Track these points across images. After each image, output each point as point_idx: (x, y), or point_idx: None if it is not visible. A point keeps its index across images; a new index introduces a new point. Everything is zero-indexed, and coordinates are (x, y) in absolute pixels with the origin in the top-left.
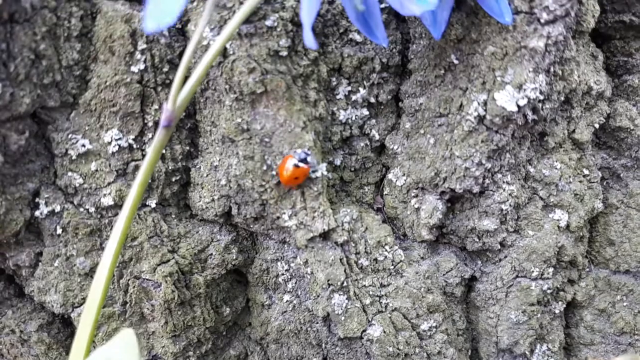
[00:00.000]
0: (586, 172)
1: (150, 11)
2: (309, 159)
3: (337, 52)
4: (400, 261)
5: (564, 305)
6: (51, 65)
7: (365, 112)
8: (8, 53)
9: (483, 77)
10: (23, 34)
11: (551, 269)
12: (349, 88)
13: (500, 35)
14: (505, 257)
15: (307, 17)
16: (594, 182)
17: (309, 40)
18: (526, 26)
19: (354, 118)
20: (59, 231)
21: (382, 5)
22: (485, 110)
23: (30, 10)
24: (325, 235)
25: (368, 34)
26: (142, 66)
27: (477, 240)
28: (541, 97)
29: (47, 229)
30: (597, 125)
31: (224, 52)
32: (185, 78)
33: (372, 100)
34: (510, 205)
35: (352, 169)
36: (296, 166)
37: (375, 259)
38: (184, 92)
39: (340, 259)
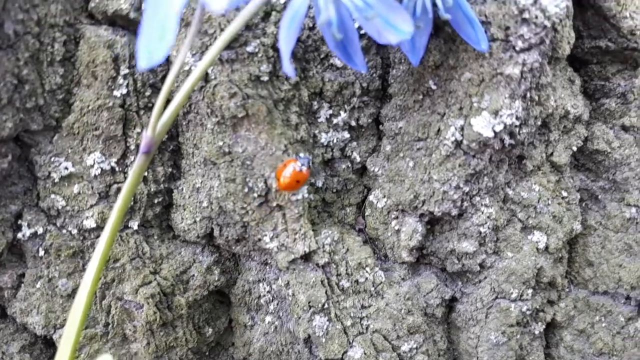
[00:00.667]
0: (565, 194)
1: (141, 51)
2: (311, 164)
3: (318, 76)
4: (381, 282)
5: (544, 326)
6: (34, 90)
7: (347, 134)
8: None
9: (460, 103)
10: (6, 60)
11: (530, 290)
12: (330, 111)
13: (477, 62)
14: (485, 278)
15: (285, 47)
16: (572, 204)
17: (287, 68)
18: (502, 53)
19: (335, 141)
20: (42, 253)
21: (363, 31)
22: (462, 135)
23: (13, 37)
24: (306, 257)
25: (347, 60)
26: (124, 90)
27: (457, 261)
28: (517, 123)
29: (30, 250)
30: (575, 148)
31: (205, 77)
32: (168, 101)
33: (353, 123)
34: (488, 227)
35: (334, 191)
36: (299, 170)
37: (356, 281)
38: (164, 119)
39: (322, 281)
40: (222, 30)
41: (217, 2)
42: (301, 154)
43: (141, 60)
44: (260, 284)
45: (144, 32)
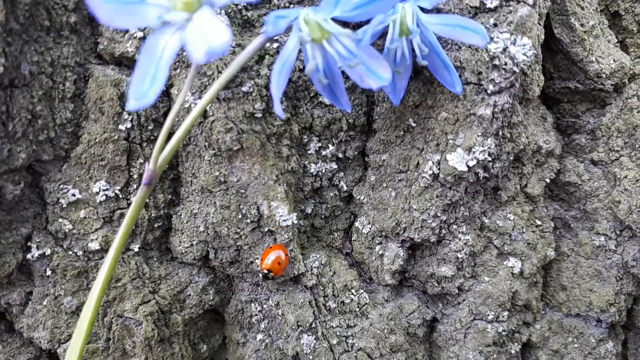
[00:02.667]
0: (539, 222)
1: (132, 93)
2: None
3: (308, 113)
4: (366, 304)
5: (520, 346)
6: (46, 124)
7: (334, 165)
8: (7, 114)
9: (437, 140)
10: (22, 97)
11: (506, 313)
12: (319, 144)
13: (453, 102)
14: (463, 300)
15: (276, 92)
16: (546, 232)
17: (278, 111)
18: (475, 96)
19: (324, 171)
20: (49, 272)
21: None
22: (439, 169)
23: (28, 76)
24: (295, 279)
25: (333, 101)
26: (128, 125)
27: (437, 285)
28: (490, 158)
29: (38, 270)
30: (548, 180)
31: (204, 114)
32: (170, 134)
33: (341, 155)
34: (465, 253)
35: (323, 217)
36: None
37: (342, 302)
38: (165, 153)
39: (310, 302)
40: (219, 72)
41: (198, 54)
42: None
43: (131, 102)
44: (252, 304)
45: (136, 76)
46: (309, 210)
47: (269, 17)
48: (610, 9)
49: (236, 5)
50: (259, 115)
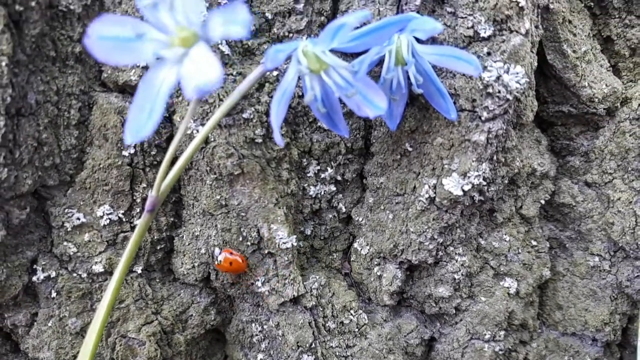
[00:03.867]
0: (534, 243)
1: (129, 127)
2: (217, 249)
3: (307, 137)
4: (364, 324)
5: None
6: (52, 151)
7: (333, 188)
8: (14, 142)
9: (433, 164)
10: (28, 125)
11: (502, 332)
12: (318, 167)
13: (448, 128)
14: (461, 320)
15: (275, 121)
16: (542, 252)
17: (277, 138)
18: (469, 122)
19: (322, 193)
20: (54, 294)
21: None
22: (435, 193)
23: (35, 105)
24: (295, 300)
25: (331, 127)
26: (132, 150)
27: (434, 305)
28: (485, 183)
29: (43, 292)
30: (543, 202)
31: (205, 140)
32: (173, 161)
33: (339, 178)
34: (462, 274)
35: (322, 238)
36: (222, 260)
37: (342, 322)
38: (167, 180)
39: (309, 322)
40: (221, 99)
41: (189, 90)
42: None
43: (128, 135)
44: (253, 324)
45: (133, 110)
46: (308, 232)
47: (269, 51)
48: (602, 34)
49: None
50: (260, 140)
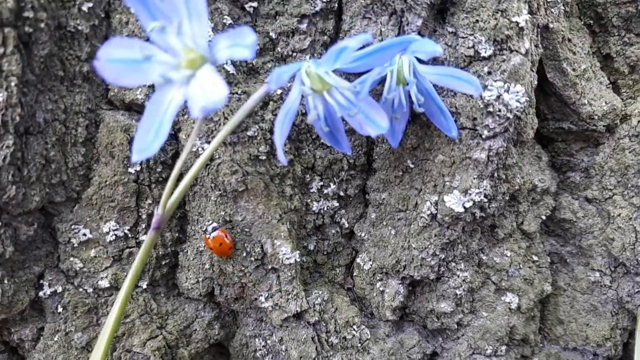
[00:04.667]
0: (535, 258)
1: (136, 146)
2: (213, 224)
3: (310, 154)
4: (367, 339)
5: None
6: (59, 168)
7: (336, 203)
8: (22, 160)
9: (434, 181)
10: (36, 144)
11: (504, 347)
12: (321, 183)
13: (449, 146)
14: (463, 335)
15: (279, 140)
16: (542, 267)
17: (281, 157)
18: (470, 140)
19: (325, 209)
20: (60, 309)
21: None
22: (437, 209)
23: (43, 124)
24: (298, 316)
25: (334, 144)
26: (138, 167)
27: (436, 320)
28: (486, 200)
29: (50, 307)
30: (544, 217)
31: (210, 157)
32: (179, 178)
33: (342, 193)
34: (464, 290)
35: (325, 253)
36: (213, 238)
37: (344, 337)
38: (173, 198)
39: (312, 338)
40: (226, 118)
41: (195, 111)
42: (209, 228)
43: (135, 153)
44: (256, 339)
45: (140, 129)
46: (311, 247)
47: (273, 73)
48: (602, 52)
49: None
50: (264, 157)
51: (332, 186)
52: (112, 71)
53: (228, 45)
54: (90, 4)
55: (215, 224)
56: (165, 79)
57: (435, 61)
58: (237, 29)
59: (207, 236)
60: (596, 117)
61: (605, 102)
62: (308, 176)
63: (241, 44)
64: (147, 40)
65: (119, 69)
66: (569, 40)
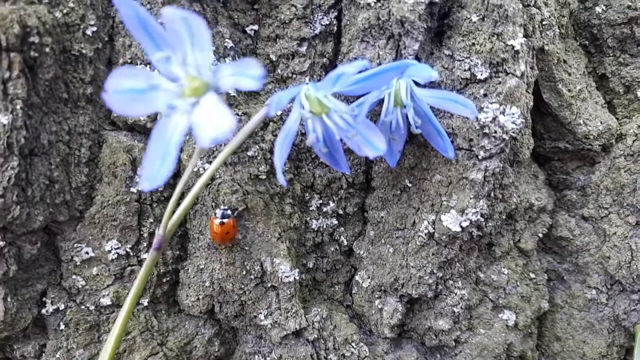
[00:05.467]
0: (532, 275)
1: (145, 175)
2: (229, 212)
3: (310, 172)
4: (366, 356)
5: None
6: (62, 188)
7: (335, 221)
8: (27, 180)
9: (432, 200)
10: (40, 164)
11: None
12: (320, 201)
13: (446, 166)
14: (460, 352)
15: (279, 162)
16: (540, 284)
17: (280, 179)
18: (467, 161)
19: (325, 226)
20: (62, 327)
21: None
22: (434, 228)
23: (47, 145)
24: (297, 333)
25: (333, 165)
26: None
27: (434, 337)
28: (483, 219)
29: (52, 324)
30: (540, 235)
31: (211, 177)
32: (181, 196)
33: (341, 211)
34: (461, 307)
35: (324, 270)
36: (221, 223)
37: (343, 355)
38: (174, 219)
39: (311, 355)
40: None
41: (204, 140)
42: (217, 211)
43: (144, 183)
44: (256, 356)
45: (147, 159)
46: (310, 265)
47: (273, 99)
48: (597, 71)
49: None
50: (263, 176)
51: (331, 204)
52: (120, 102)
53: (232, 73)
54: (95, 28)
55: (228, 211)
56: (169, 107)
57: (432, 83)
58: (243, 60)
59: (215, 219)
60: (592, 137)
61: (601, 122)
62: (307, 194)
63: (247, 74)
64: (149, 64)
65: (126, 100)
66: (565, 61)
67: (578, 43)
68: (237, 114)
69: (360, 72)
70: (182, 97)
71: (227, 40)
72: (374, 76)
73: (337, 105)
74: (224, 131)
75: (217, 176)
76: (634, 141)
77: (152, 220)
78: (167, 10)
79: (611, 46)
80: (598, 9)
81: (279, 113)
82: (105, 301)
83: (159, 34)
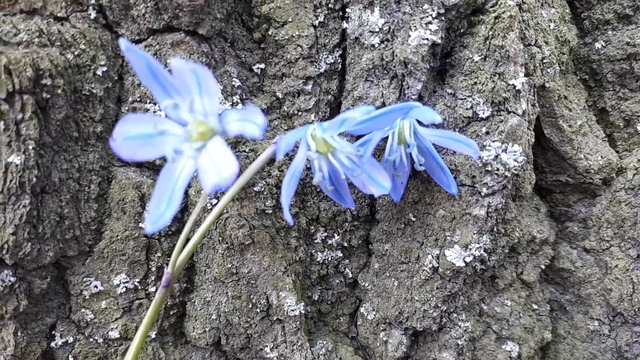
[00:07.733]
0: (535, 306)
1: (150, 218)
2: None
3: (315, 206)
4: None
5: None
6: (72, 224)
7: (340, 253)
8: (38, 218)
9: (436, 235)
10: (51, 202)
11: None
12: (325, 234)
13: (449, 202)
14: None
15: (285, 200)
16: (542, 315)
17: (287, 217)
18: (470, 197)
19: (329, 259)
20: (71, 359)
21: None
22: (438, 263)
23: (58, 183)
24: None
25: (339, 200)
26: None
27: None
28: (486, 254)
29: (61, 357)
30: (543, 267)
31: (219, 214)
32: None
33: (346, 244)
34: (465, 339)
35: (329, 302)
36: None
37: None
38: (182, 256)
39: None
40: None
41: (208, 185)
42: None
43: (148, 225)
44: None
45: (153, 201)
46: (315, 297)
47: (280, 143)
48: (597, 105)
49: None
50: (270, 211)
51: (336, 237)
52: (128, 149)
53: (239, 118)
54: (105, 68)
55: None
56: (177, 152)
57: None
58: (248, 108)
59: None
60: (592, 171)
61: (601, 156)
62: (312, 227)
63: (252, 120)
64: (157, 103)
65: (135, 146)
66: (565, 97)
67: (578, 77)
68: (245, 151)
69: None
70: (189, 141)
71: (234, 79)
72: (379, 117)
73: (343, 146)
74: (226, 177)
75: (225, 211)
76: (634, 175)
77: (159, 255)
78: (177, 62)
79: (611, 81)
80: (597, 45)
81: None
82: (114, 334)
83: (168, 81)
